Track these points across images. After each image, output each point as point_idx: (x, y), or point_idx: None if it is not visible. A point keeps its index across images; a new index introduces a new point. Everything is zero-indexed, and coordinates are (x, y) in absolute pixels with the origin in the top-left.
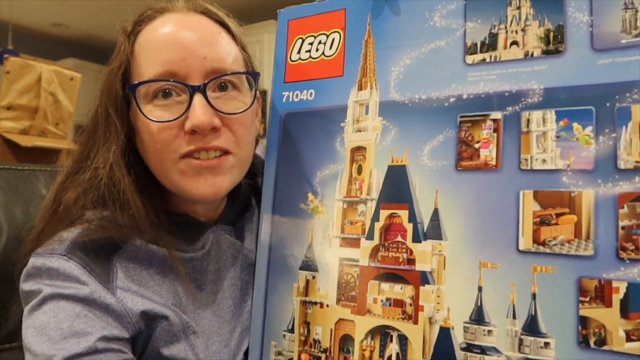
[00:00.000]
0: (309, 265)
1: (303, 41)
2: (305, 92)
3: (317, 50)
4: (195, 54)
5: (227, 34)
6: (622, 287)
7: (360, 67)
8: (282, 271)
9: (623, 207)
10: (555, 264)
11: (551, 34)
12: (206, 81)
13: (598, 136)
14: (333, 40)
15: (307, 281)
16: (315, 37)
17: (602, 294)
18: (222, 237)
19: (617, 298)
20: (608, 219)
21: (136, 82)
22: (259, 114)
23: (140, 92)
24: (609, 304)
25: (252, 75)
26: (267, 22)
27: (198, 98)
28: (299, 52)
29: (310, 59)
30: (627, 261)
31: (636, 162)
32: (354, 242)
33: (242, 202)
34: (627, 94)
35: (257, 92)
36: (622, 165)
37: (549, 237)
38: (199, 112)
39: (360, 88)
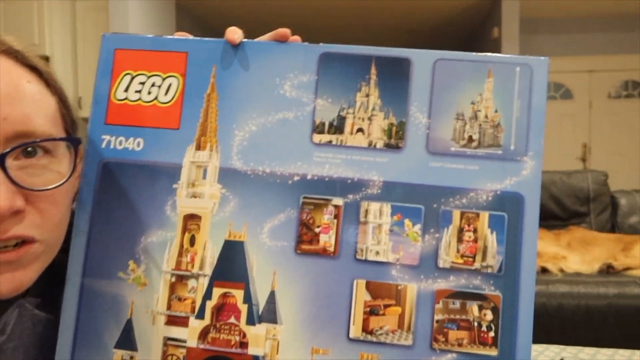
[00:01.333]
0: (126, 344)
1: (132, 79)
2: (131, 140)
3: (149, 93)
4: None
5: (39, 82)
6: None
7: (200, 123)
8: (92, 348)
9: (439, 303)
10: (380, 352)
11: (394, 129)
12: (6, 150)
13: (424, 234)
14: (170, 85)
15: None
16: (148, 77)
17: None
18: (28, 314)
19: None
20: (426, 312)
21: None
22: (79, 169)
23: None
24: None
25: (72, 141)
26: None
27: None
28: (126, 91)
29: (140, 102)
30: (438, 351)
31: (452, 262)
32: (181, 321)
33: (54, 269)
34: (451, 199)
35: (78, 156)
36: (441, 264)
37: (377, 326)
38: None
39: (198, 147)
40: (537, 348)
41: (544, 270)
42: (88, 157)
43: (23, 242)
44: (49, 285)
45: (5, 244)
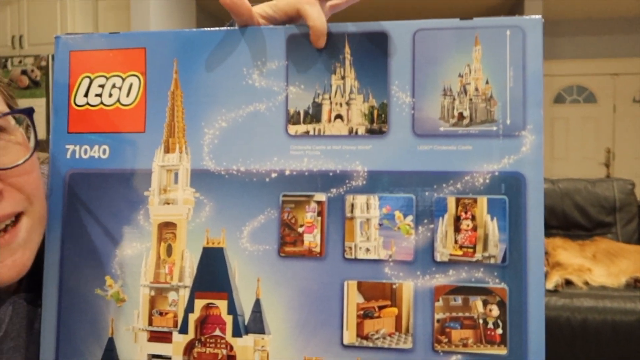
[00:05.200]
0: None
1: (91, 82)
2: (96, 147)
3: (110, 95)
4: None
5: None
6: None
7: (167, 124)
8: None
9: (438, 300)
10: (377, 358)
11: (375, 112)
12: None
13: (418, 226)
14: (131, 85)
15: None
16: (107, 79)
17: None
18: (23, 310)
19: None
20: (425, 312)
21: None
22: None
23: None
24: None
25: (25, 112)
26: None
27: None
28: (86, 95)
29: (101, 106)
30: (442, 354)
31: (451, 255)
32: (164, 337)
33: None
34: (444, 185)
35: (34, 125)
36: (438, 257)
37: (372, 330)
38: None
39: (167, 150)
40: None
41: (567, 283)
42: (53, 170)
43: (8, 225)
44: (40, 280)
45: None
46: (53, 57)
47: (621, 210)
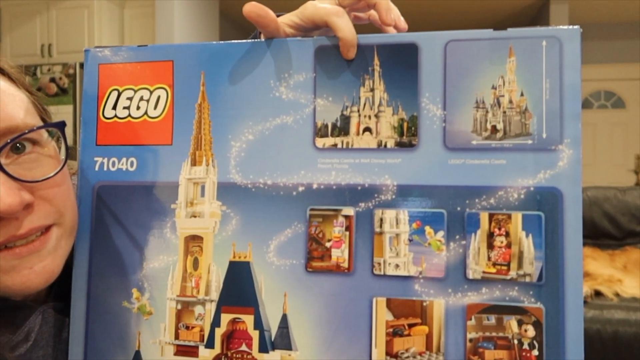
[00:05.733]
0: None
1: (120, 94)
2: (124, 160)
3: (138, 108)
4: None
5: (6, 79)
6: None
7: (194, 136)
8: None
9: (471, 319)
10: None
11: (405, 124)
12: None
13: (449, 242)
14: (158, 98)
15: None
16: (135, 92)
17: None
18: (52, 320)
19: None
20: (457, 330)
21: None
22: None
23: None
24: None
25: (58, 126)
26: None
27: None
28: (114, 108)
29: (129, 119)
30: None
31: (483, 272)
32: (191, 351)
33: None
34: (477, 200)
35: (65, 138)
36: (470, 275)
37: (402, 349)
38: (3, 192)
39: (194, 163)
40: None
41: (597, 294)
42: (82, 182)
43: (43, 232)
44: (68, 290)
45: (26, 240)
46: (81, 65)
47: None
